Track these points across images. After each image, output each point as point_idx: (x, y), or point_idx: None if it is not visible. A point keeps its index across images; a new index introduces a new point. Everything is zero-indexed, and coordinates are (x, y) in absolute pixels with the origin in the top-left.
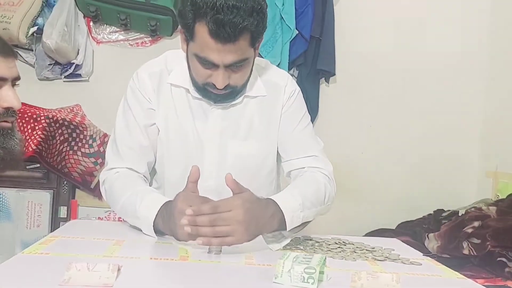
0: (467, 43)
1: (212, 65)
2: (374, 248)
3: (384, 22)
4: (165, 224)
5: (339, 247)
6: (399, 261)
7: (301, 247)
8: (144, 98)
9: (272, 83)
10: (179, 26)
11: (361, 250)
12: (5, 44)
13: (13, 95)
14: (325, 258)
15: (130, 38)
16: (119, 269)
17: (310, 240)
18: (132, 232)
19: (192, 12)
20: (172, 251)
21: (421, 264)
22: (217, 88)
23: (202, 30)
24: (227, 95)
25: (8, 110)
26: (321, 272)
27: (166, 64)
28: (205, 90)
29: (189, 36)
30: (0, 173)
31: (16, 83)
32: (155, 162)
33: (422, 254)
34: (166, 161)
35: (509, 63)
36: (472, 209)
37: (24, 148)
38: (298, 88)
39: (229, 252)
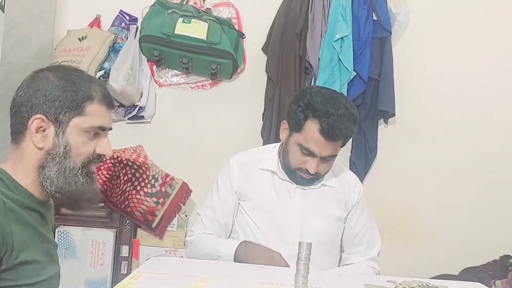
0: None
1: (310, 155)
2: None
3: (443, 63)
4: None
5: None
6: None
7: None
8: (230, 180)
9: (344, 180)
10: (286, 122)
11: None
12: (110, 96)
13: (108, 145)
14: None
15: (191, 81)
16: None
17: (392, 282)
18: (212, 269)
19: (306, 111)
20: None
21: None
22: (308, 173)
23: (312, 127)
24: (311, 180)
25: (100, 157)
26: None
27: (250, 156)
28: (294, 173)
29: (296, 129)
30: (84, 212)
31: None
32: (235, 229)
33: None
34: (251, 227)
35: None
36: None
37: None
38: (368, 201)
39: None
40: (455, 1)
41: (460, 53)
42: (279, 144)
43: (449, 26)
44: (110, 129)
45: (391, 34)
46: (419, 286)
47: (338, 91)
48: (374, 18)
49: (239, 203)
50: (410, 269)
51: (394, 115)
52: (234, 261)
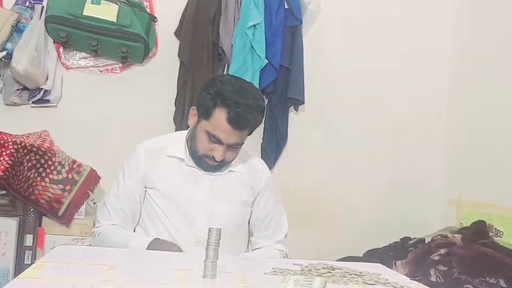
0: (429, 69)
1: (217, 142)
2: (361, 272)
3: (351, 52)
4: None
5: (328, 272)
6: (389, 285)
7: (292, 272)
8: (136, 168)
9: (251, 166)
10: (194, 107)
11: (350, 274)
12: None
13: None
14: (326, 281)
15: (100, 65)
16: None
17: (298, 265)
18: (119, 257)
19: (215, 99)
20: (168, 276)
21: None
22: (215, 160)
23: (220, 115)
24: (217, 166)
25: None
26: None
27: (156, 143)
28: (201, 160)
29: (205, 116)
30: None
31: None
32: (143, 217)
33: (409, 278)
34: (159, 215)
35: (469, 92)
36: (438, 236)
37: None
38: (275, 186)
39: (224, 278)
40: None
41: (369, 42)
42: (187, 131)
43: (358, 16)
44: None
45: (301, 23)
46: (324, 268)
47: (250, 79)
48: (286, 7)
49: (145, 191)
50: (317, 252)
51: (303, 102)
52: None
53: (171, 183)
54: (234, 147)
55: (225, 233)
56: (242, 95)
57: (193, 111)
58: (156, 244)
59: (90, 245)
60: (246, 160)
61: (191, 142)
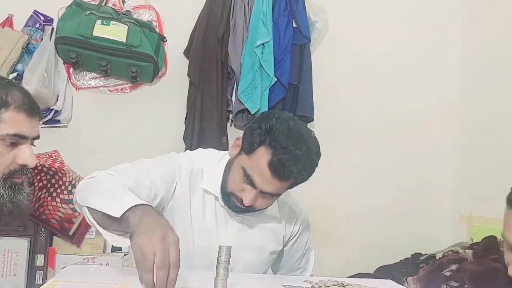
0: (440, 91)
1: (251, 184)
2: None
3: (360, 70)
4: (144, 219)
5: None
6: None
7: None
8: (175, 181)
9: (289, 208)
10: (241, 139)
11: None
12: (34, 103)
13: (30, 154)
14: None
15: (110, 85)
16: None
17: (309, 282)
18: (131, 276)
19: (263, 136)
20: None
21: None
22: (242, 203)
23: (263, 155)
24: (245, 210)
25: (23, 168)
26: None
27: (193, 164)
28: (229, 197)
29: (247, 151)
30: (5, 227)
31: (34, 143)
32: None
33: None
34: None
35: (480, 109)
36: (449, 252)
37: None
38: (309, 226)
39: None
40: (372, 10)
41: (376, 60)
42: (224, 154)
43: (366, 35)
44: (36, 138)
45: (310, 41)
46: (334, 285)
47: (259, 97)
48: (294, 25)
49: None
50: (328, 269)
51: (313, 120)
52: (123, 215)
53: (204, 221)
54: (269, 196)
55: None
56: (295, 142)
57: (237, 141)
58: (151, 214)
59: (101, 264)
60: (284, 203)
61: (224, 174)
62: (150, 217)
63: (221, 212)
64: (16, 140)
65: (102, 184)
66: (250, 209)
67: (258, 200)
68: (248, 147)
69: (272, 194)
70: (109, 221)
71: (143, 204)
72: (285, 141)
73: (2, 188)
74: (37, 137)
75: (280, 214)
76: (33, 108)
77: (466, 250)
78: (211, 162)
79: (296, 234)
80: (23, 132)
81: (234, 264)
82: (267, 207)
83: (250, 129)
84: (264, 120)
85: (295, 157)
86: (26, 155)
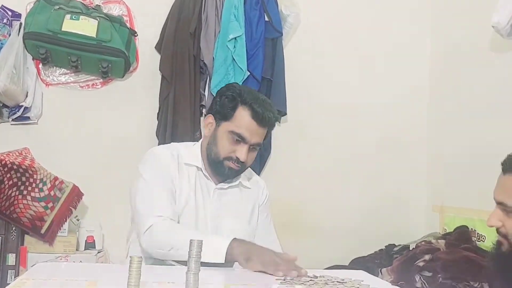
0: (412, 83)
1: (242, 141)
2: (343, 279)
3: (332, 63)
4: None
5: (310, 280)
6: None
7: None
8: (168, 174)
9: (255, 182)
10: (210, 115)
11: (332, 282)
12: None
13: None
14: None
15: (81, 80)
16: None
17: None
18: (100, 272)
19: (236, 100)
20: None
21: None
22: (238, 161)
23: (244, 113)
24: (238, 171)
25: None
26: None
27: (171, 150)
28: (222, 164)
29: (226, 117)
30: None
31: None
32: None
33: (391, 284)
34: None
35: (449, 100)
36: (422, 243)
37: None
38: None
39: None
40: (343, 4)
41: (348, 53)
42: (194, 142)
43: (338, 28)
44: None
45: (282, 35)
46: (307, 276)
47: None
48: (266, 19)
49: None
50: (303, 262)
51: (286, 114)
52: (226, 257)
53: (192, 192)
54: (254, 149)
55: None
56: (257, 96)
57: (209, 118)
58: (248, 244)
59: (74, 262)
60: (251, 176)
61: (209, 149)
62: (244, 244)
63: (203, 182)
64: None
65: (173, 236)
66: (241, 169)
67: (248, 155)
68: (225, 115)
69: (257, 145)
70: None
71: (223, 238)
72: (252, 97)
73: None
74: None
75: (251, 185)
76: None
77: (439, 240)
78: (186, 146)
79: (263, 204)
80: None
81: (218, 231)
82: (250, 165)
83: (217, 103)
84: (225, 91)
85: (267, 104)
86: None
